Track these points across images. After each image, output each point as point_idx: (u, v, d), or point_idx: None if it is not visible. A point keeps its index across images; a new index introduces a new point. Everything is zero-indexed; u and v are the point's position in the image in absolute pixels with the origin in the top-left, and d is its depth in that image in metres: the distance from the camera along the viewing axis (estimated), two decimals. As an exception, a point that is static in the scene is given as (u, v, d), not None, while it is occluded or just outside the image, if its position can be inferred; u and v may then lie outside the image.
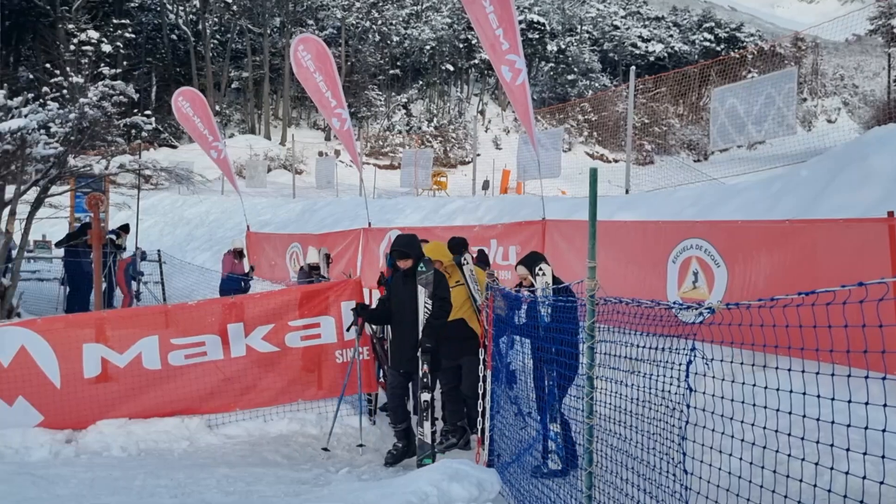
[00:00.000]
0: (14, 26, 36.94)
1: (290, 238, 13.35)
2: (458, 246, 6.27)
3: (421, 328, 5.22)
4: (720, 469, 2.97)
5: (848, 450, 2.34)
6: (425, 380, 5.13)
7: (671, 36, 61.03)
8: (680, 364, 3.01)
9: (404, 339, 5.34)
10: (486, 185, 26.74)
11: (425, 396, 5.10)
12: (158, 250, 12.28)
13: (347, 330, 5.93)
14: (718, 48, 56.10)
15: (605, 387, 3.45)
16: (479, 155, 26.61)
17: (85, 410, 5.78)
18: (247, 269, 11.00)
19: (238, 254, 10.96)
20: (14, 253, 8.69)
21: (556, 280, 5.44)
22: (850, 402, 2.30)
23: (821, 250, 4.53)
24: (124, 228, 12.50)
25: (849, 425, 2.32)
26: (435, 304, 5.22)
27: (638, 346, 3.23)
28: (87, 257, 10.18)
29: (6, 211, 8.13)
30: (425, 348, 5.15)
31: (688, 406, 2.95)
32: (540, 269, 5.15)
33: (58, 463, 5.27)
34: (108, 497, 4.52)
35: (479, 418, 4.87)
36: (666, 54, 57.53)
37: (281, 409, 6.21)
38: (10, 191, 8.27)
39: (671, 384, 3.07)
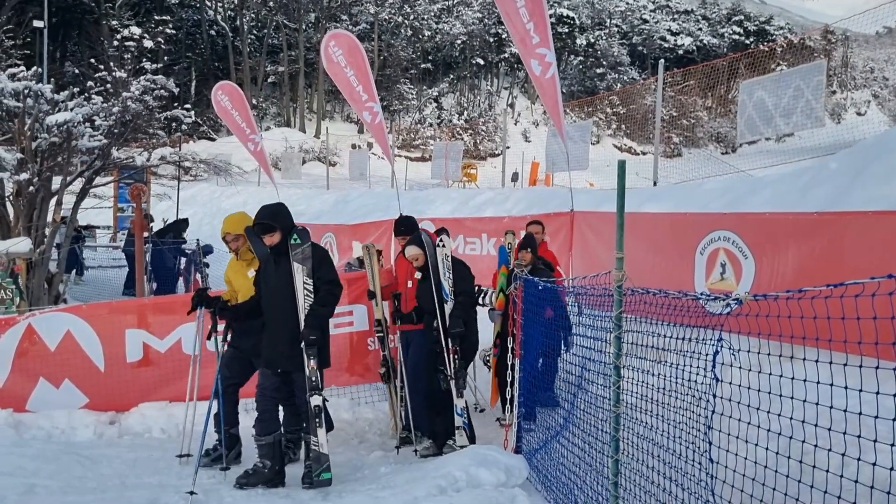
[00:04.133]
0: (61, 23, 38.10)
1: (324, 228, 13.53)
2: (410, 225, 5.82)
3: (302, 316, 4.39)
4: (746, 458, 3.00)
5: (875, 441, 2.35)
6: (314, 379, 4.38)
7: (700, 29, 60.20)
8: (707, 354, 3.04)
9: (279, 333, 4.48)
10: (515, 177, 26.66)
11: (315, 400, 4.38)
12: (197, 239, 12.60)
13: (209, 338, 4.84)
14: (748, 41, 55.03)
15: (631, 376, 3.48)
16: (508, 147, 26.51)
17: (127, 393, 5.97)
18: None
19: None
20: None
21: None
22: (878, 393, 2.31)
23: (849, 242, 4.49)
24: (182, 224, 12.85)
25: (876, 416, 2.33)
26: (322, 287, 4.43)
27: (665, 337, 3.26)
28: (172, 254, 10.56)
29: (53, 201, 8.44)
30: (310, 341, 4.33)
31: (714, 396, 2.98)
32: (440, 240, 5.20)
33: (102, 443, 5.46)
34: (149, 477, 4.70)
35: (508, 405, 4.94)
36: (695, 47, 56.77)
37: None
38: (56, 181, 8.57)
39: (698, 374, 3.10)
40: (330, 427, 5.66)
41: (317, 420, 4.39)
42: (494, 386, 5.95)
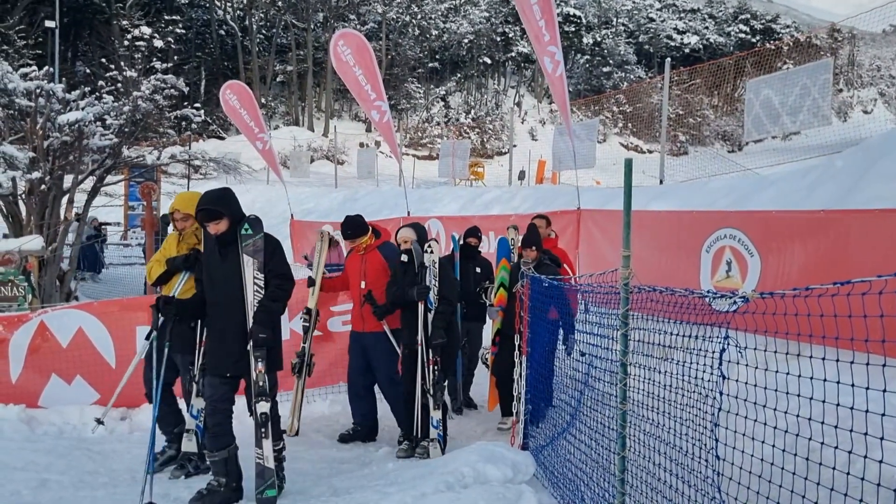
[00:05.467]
0: (72, 23, 38.48)
1: (332, 226, 13.61)
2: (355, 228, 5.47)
3: (251, 313, 3.92)
4: (752, 455, 2.99)
5: (882, 438, 2.33)
6: (261, 384, 3.90)
7: (706, 28, 60.31)
8: (713, 352, 3.04)
9: (227, 333, 4.00)
10: (522, 176, 26.70)
11: (262, 407, 3.92)
12: None
13: (147, 338, 4.28)
14: (754, 40, 55.10)
15: (638, 373, 3.49)
16: (515, 146, 26.58)
17: (138, 390, 6.02)
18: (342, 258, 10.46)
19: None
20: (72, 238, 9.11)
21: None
22: (884, 391, 2.32)
23: (855, 240, 4.50)
24: None
25: (883, 414, 2.33)
26: (272, 281, 3.97)
27: (671, 334, 3.27)
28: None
29: (65, 199, 8.53)
30: (259, 340, 3.87)
31: (721, 393, 2.98)
32: (429, 245, 5.16)
33: (113, 439, 5.46)
34: (159, 472, 4.75)
35: (515, 402, 4.95)
36: (701, 46, 56.89)
37: (323, 390, 6.39)
38: (68, 180, 8.66)
39: (704, 371, 3.11)
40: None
41: (262, 430, 3.92)
42: (493, 386, 5.89)
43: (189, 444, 4.58)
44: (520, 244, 5.65)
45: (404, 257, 5.19)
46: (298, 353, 5.73)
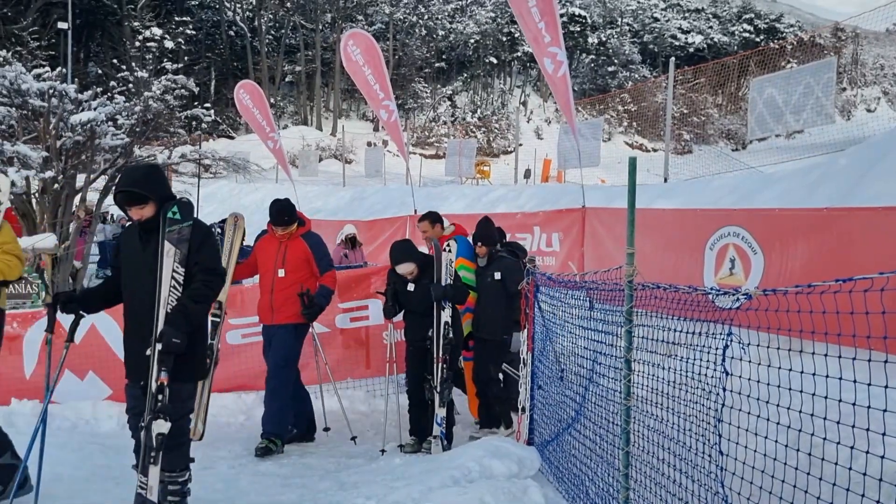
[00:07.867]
0: (84, 24, 38.83)
1: (340, 224, 13.64)
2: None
3: (162, 312, 3.29)
4: (755, 451, 2.99)
5: (884, 434, 2.34)
6: (159, 398, 3.22)
7: (711, 27, 60.31)
8: (717, 348, 3.07)
9: (144, 332, 3.36)
10: (527, 174, 26.71)
11: (159, 427, 3.20)
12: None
13: (47, 342, 3.69)
14: (758, 39, 55.05)
15: (642, 370, 3.52)
16: (521, 145, 26.56)
17: (150, 385, 6.10)
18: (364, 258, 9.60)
19: (350, 242, 9.50)
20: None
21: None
22: (886, 387, 2.32)
23: (858, 238, 4.52)
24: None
25: (885, 410, 2.34)
26: (197, 276, 3.35)
27: (675, 331, 3.30)
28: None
29: (77, 198, 8.64)
30: (171, 345, 3.20)
31: (724, 389, 3.01)
32: (447, 246, 5.20)
33: (125, 434, 5.37)
34: (170, 465, 4.81)
35: (520, 397, 5.00)
36: (705, 45, 56.88)
37: (328, 387, 6.45)
38: (80, 179, 8.77)
39: (708, 368, 3.13)
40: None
41: (152, 454, 3.23)
42: (472, 394, 5.83)
43: None
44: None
45: (411, 287, 5.24)
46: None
